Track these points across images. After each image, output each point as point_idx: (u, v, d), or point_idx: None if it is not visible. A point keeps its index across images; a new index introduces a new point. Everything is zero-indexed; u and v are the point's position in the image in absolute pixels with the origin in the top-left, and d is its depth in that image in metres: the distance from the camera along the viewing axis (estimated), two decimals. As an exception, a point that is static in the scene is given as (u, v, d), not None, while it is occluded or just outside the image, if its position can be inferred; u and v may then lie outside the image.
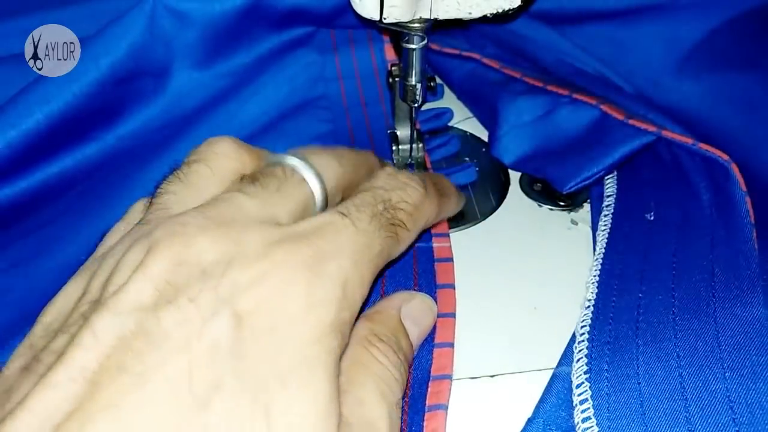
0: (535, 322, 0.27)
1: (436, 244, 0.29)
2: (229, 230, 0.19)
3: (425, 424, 0.23)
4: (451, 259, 0.29)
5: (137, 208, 0.23)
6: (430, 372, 0.24)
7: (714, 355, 0.23)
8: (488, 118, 0.36)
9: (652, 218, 0.29)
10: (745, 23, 0.33)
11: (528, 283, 0.29)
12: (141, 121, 0.33)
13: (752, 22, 0.33)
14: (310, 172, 0.22)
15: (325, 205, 0.23)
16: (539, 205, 0.33)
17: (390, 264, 0.23)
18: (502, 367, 0.25)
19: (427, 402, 0.23)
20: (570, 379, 0.23)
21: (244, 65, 0.36)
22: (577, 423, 0.22)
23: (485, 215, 0.32)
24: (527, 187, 0.34)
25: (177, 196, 0.21)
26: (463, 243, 0.31)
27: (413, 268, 0.28)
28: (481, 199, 0.33)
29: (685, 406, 0.21)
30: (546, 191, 0.33)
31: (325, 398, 0.18)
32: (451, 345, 0.25)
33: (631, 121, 0.31)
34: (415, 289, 0.27)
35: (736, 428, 0.21)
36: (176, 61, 0.34)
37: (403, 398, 0.22)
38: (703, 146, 0.29)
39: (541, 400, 0.23)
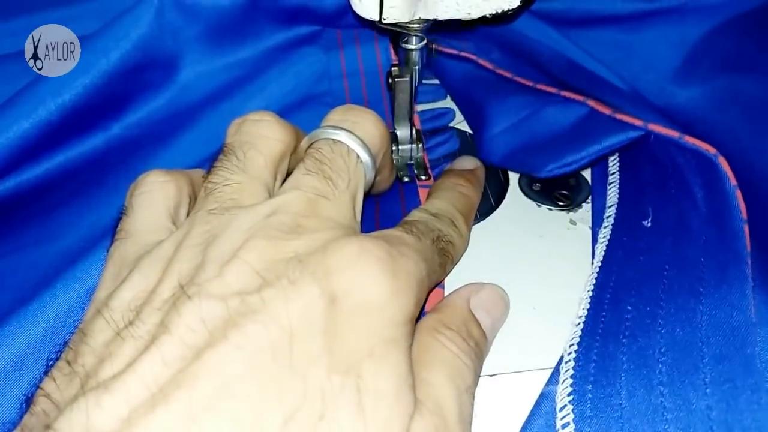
0: (535, 322, 0.27)
1: None
2: (315, 232, 0.21)
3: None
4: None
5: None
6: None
7: (697, 369, 0.22)
8: (477, 121, 0.36)
9: (649, 225, 0.28)
10: (751, 25, 0.33)
11: (527, 283, 0.29)
12: (147, 112, 0.34)
13: (758, 24, 0.33)
14: (363, 150, 0.24)
15: (374, 177, 0.25)
16: (538, 205, 0.33)
17: None
18: (502, 366, 0.25)
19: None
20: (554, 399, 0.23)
21: (249, 59, 0.36)
22: None
23: (484, 215, 0.32)
24: (526, 187, 0.34)
25: (241, 186, 0.23)
26: (462, 243, 0.31)
27: None
28: (480, 198, 0.33)
29: (665, 427, 0.21)
30: (545, 191, 0.33)
31: (406, 370, 0.19)
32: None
33: (618, 116, 0.31)
34: None
35: None
36: (183, 54, 0.34)
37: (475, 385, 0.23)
38: (690, 139, 0.28)
39: (528, 421, 0.23)
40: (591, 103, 0.32)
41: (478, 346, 0.23)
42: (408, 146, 0.34)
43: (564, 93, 0.33)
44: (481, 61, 0.37)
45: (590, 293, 0.26)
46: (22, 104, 0.29)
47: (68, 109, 0.30)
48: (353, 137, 0.24)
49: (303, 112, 0.37)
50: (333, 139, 0.24)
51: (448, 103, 0.39)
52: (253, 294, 0.18)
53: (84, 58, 0.31)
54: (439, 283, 0.27)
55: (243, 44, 0.36)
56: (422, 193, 0.32)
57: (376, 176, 0.25)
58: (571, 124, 0.33)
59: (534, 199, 0.33)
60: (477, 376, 0.23)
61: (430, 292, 0.25)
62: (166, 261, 0.20)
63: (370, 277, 0.19)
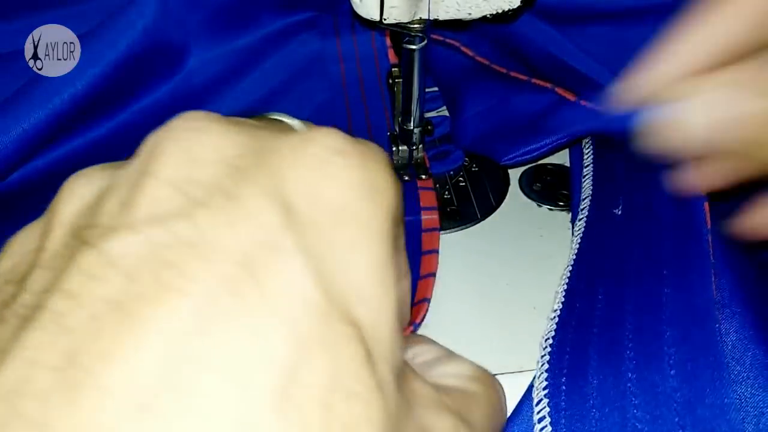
0: (535, 322, 0.27)
1: (424, 216, 0.31)
2: (245, 124, 0.15)
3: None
4: (438, 229, 0.30)
5: None
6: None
7: (662, 352, 0.22)
8: (453, 106, 0.37)
9: (620, 213, 0.28)
10: None
11: (527, 283, 0.29)
12: (153, 99, 0.35)
13: None
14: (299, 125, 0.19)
15: None
16: (538, 205, 0.33)
17: None
18: (502, 366, 0.26)
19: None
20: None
21: (250, 45, 0.37)
22: None
23: (485, 215, 0.32)
24: (526, 187, 0.34)
25: None
26: (462, 242, 0.31)
27: None
28: (480, 198, 0.33)
29: (633, 413, 0.21)
30: (545, 191, 0.33)
31: (396, 312, 0.15)
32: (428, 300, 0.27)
33: (582, 102, 0.31)
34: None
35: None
36: (188, 42, 0.35)
37: None
38: None
39: (514, 412, 0.23)
40: (559, 90, 0.32)
41: None
42: (408, 147, 0.34)
43: (534, 80, 0.34)
44: (464, 49, 0.37)
45: (565, 286, 0.26)
46: (37, 94, 0.30)
47: (80, 98, 0.30)
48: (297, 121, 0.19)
49: (300, 95, 0.38)
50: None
51: (444, 111, 0.39)
52: (181, 219, 0.13)
53: (93, 47, 0.31)
54: (432, 273, 0.28)
55: (244, 31, 0.37)
56: (422, 193, 0.32)
57: None
58: (537, 112, 0.33)
59: (534, 199, 0.33)
60: None
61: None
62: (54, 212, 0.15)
63: (335, 176, 0.15)
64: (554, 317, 0.25)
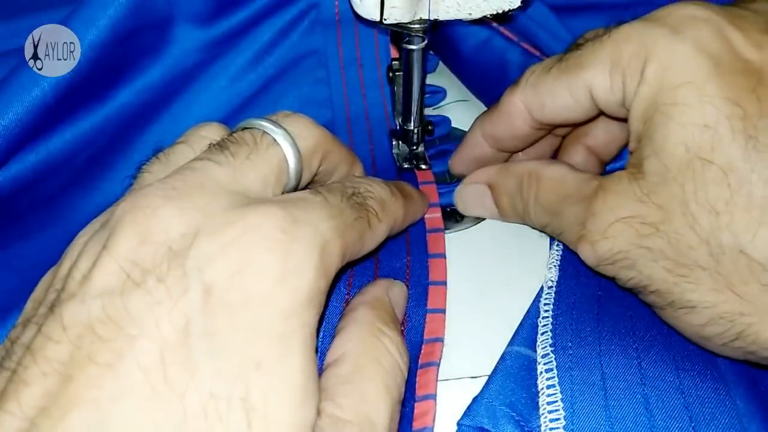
0: (535, 322, 0.27)
1: (427, 215, 0.30)
2: (196, 198, 0.18)
3: (418, 380, 0.24)
4: (442, 230, 0.30)
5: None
6: (423, 335, 0.26)
7: (669, 355, 0.24)
8: (492, 99, 0.36)
9: None
10: None
11: (527, 283, 0.29)
12: (142, 83, 0.33)
13: None
14: (281, 133, 0.21)
15: (300, 170, 0.22)
16: (538, 204, 0.33)
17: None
18: (502, 366, 0.26)
19: (420, 360, 0.25)
20: (516, 357, 0.24)
21: (242, 22, 0.35)
22: (541, 389, 0.23)
23: (485, 214, 0.32)
24: (527, 186, 0.34)
25: (153, 175, 0.21)
26: (463, 243, 0.31)
27: (406, 238, 0.29)
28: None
29: (642, 390, 0.23)
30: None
31: (303, 379, 0.17)
32: (443, 311, 0.27)
33: None
34: (408, 258, 0.28)
35: (689, 414, 0.22)
36: (176, 16, 0.33)
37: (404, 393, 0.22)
38: None
39: (489, 381, 0.24)
40: None
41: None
42: (408, 146, 0.34)
43: None
44: (503, 30, 0.36)
45: (557, 264, 0.28)
46: (16, 87, 0.28)
47: (62, 87, 0.29)
48: (271, 123, 0.22)
49: (295, 74, 0.37)
50: (250, 126, 0.22)
51: (444, 110, 0.39)
52: (115, 296, 0.16)
53: (73, 29, 0.29)
54: (442, 281, 0.28)
55: (234, 8, 0.34)
56: (423, 188, 0.32)
57: (320, 168, 0.24)
58: None
59: (534, 198, 0.33)
60: (404, 384, 0.22)
61: (364, 258, 0.24)
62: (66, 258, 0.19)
63: (251, 261, 0.17)
64: (552, 286, 0.27)
